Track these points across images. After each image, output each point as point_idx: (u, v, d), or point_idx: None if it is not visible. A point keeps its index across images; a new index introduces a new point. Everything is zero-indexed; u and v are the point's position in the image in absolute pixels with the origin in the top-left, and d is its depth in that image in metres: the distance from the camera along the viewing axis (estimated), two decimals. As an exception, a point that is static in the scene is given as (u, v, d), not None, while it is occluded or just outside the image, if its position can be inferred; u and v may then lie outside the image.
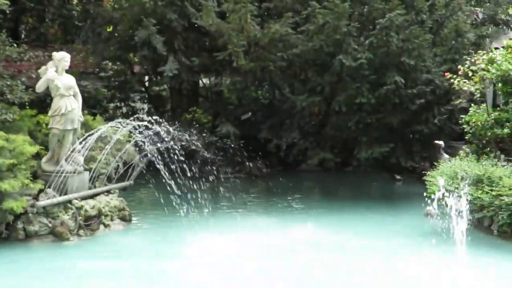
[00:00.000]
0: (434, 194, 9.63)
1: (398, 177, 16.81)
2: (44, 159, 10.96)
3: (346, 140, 17.06)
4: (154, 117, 11.81)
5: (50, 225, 10.08)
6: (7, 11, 12.71)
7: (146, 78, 21.78)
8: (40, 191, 10.34)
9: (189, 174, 12.04)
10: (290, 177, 16.60)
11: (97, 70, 20.06)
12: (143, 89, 21.57)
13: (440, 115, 15.41)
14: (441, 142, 16.46)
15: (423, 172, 12.63)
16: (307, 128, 17.63)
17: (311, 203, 13.90)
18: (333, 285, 8.22)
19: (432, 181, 11.22)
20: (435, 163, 12.71)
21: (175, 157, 11.95)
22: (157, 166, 11.45)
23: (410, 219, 12.12)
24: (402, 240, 10.56)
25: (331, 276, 8.52)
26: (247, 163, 16.96)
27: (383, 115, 15.66)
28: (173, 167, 11.87)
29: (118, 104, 21.41)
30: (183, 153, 12.04)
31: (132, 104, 21.89)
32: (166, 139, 11.69)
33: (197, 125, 18.43)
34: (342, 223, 11.89)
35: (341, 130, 16.68)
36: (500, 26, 18.71)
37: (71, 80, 11.04)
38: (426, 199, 10.17)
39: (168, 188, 11.79)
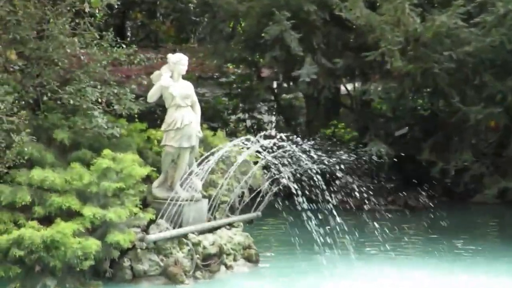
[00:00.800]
0: None
1: None
2: (155, 183, 11.21)
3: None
4: (285, 133, 11.91)
5: (162, 264, 10.27)
6: (115, 6, 13.32)
7: (275, 84, 22.09)
8: (151, 222, 10.58)
9: (329, 205, 12.01)
10: (459, 211, 16.18)
11: (217, 74, 20.68)
12: (272, 97, 21.87)
13: None
14: None
15: None
16: (483, 148, 17.12)
17: (486, 246, 13.40)
18: None
19: None
20: None
21: (311, 183, 11.99)
22: (295, 196, 11.50)
23: None
24: None
25: None
26: (403, 192, 16.69)
27: None
28: (308, 195, 11.90)
29: (242, 115, 21.88)
30: (321, 178, 12.05)
31: (258, 116, 22.31)
32: (302, 160, 11.72)
33: (338, 143, 18.35)
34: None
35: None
36: None
37: (188, 87, 11.27)
38: None
39: (304, 221, 11.83)
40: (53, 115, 11.33)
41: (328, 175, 12.81)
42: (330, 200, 12.03)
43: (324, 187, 11.93)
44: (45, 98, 11.49)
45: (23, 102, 11.09)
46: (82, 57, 12.07)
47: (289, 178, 11.67)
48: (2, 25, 11.63)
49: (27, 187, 9.93)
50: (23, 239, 9.16)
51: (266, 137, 11.79)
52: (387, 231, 13.69)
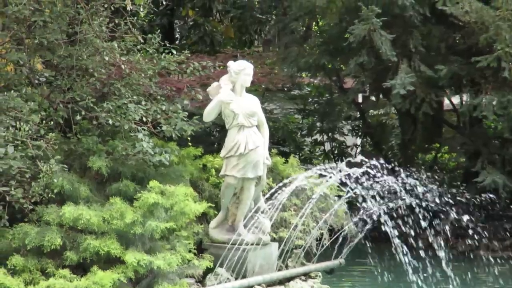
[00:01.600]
0: None
1: None
2: (213, 223, 11.36)
3: None
4: (374, 160, 11.92)
5: (221, 322, 10.35)
6: (163, 2, 13.49)
7: (361, 97, 22.08)
8: (208, 270, 10.68)
9: (435, 251, 11.93)
10: None
11: (289, 86, 20.65)
12: (357, 114, 21.83)
13: None
14: None
15: None
16: None
17: None
18: None
19: None
20: None
21: (409, 221, 11.94)
22: (391, 239, 11.44)
23: None
24: None
25: None
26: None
27: None
28: (405, 236, 11.86)
29: (319, 138, 21.86)
30: (421, 215, 12.02)
31: (340, 138, 22.28)
32: (399, 193, 11.68)
33: (442, 172, 18.20)
34: None
35: None
36: None
37: (254, 103, 11.38)
38: None
39: (401, 271, 11.82)
40: (88, 138, 11.47)
41: (430, 212, 12.66)
42: (434, 243, 11.93)
43: (425, 225, 11.83)
44: (78, 117, 11.56)
45: (52, 122, 11.33)
46: (123, 66, 12.13)
47: (382, 215, 11.62)
48: (26, 27, 11.81)
49: (57, 228, 10.06)
50: (53, 291, 9.34)
51: (350, 164, 11.82)
52: (505, 284, 13.58)
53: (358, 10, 16.23)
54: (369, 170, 11.69)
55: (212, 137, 16.57)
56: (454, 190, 16.16)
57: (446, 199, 13.64)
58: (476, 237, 14.82)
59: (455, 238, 15.21)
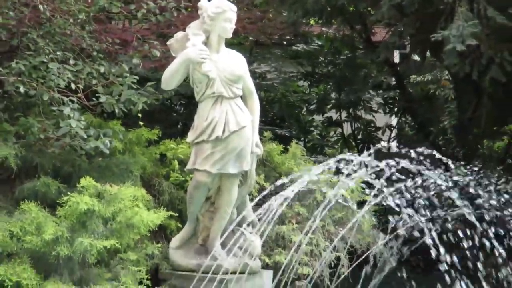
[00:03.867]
0: None
1: None
2: (176, 241, 11.40)
3: None
4: (420, 149, 11.98)
5: None
6: None
7: (399, 56, 22.14)
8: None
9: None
10: None
11: (289, 38, 20.72)
12: (392, 81, 21.87)
13: None
14: None
15: None
16: None
17: None
18: None
19: None
20: None
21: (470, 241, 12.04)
22: (441, 264, 11.46)
23: None
24: None
25: None
26: None
27: None
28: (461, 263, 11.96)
29: (336, 115, 21.93)
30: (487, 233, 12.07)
31: (367, 117, 22.34)
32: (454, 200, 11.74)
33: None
34: None
35: None
36: None
37: (238, 62, 11.42)
38: None
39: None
40: (-11, 113, 11.55)
41: (499, 228, 12.77)
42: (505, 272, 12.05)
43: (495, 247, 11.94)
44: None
45: None
46: (41, 7, 12.02)
47: (427, 232, 11.68)
48: None
49: None
50: None
51: (381, 155, 11.83)
52: None
53: None
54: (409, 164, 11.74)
55: (175, 113, 16.60)
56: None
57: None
58: None
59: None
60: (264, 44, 19.08)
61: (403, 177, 11.66)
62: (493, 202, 12.43)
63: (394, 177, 11.60)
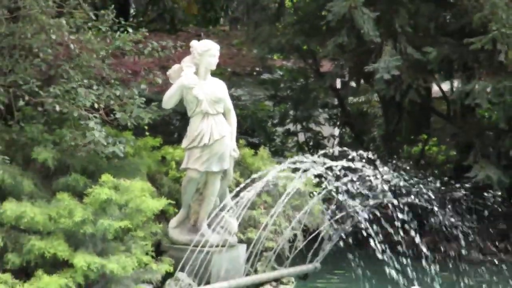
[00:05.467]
0: None
1: None
2: (173, 222, 11.38)
3: None
4: (355, 152, 12.02)
5: (182, 333, 10.42)
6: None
7: (340, 83, 22.15)
8: (167, 275, 10.68)
9: (421, 253, 12.05)
10: None
11: (258, 69, 20.67)
12: (335, 102, 21.89)
13: None
14: None
15: None
16: None
17: None
18: None
19: None
20: None
21: (392, 222, 12.05)
22: (374, 245, 11.50)
23: None
24: None
25: None
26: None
27: None
28: (388, 239, 11.98)
29: (293, 127, 21.92)
30: (407, 215, 12.11)
31: (316, 128, 22.34)
32: (384, 190, 11.75)
33: (430, 166, 18.31)
34: None
35: None
36: None
37: (220, 87, 11.40)
38: None
39: (382, 276, 11.95)
40: (32, 126, 11.45)
41: (416, 211, 12.77)
42: (421, 245, 12.02)
43: (412, 226, 11.93)
44: (21, 102, 11.47)
45: (-10, 110, 11.37)
46: (72, 46, 12.12)
47: (362, 214, 11.70)
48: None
49: (-4, 228, 10.14)
50: (-9, 298, 9.36)
51: (327, 157, 11.84)
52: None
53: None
54: (352, 164, 11.75)
55: (172, 126, 16.60)
56: (443, 187, 16.23)
57: (434, 196, 13.76)
58: (468, 239, 14.95)
59: (443, 240, 15.30)
60: (239, 74, 19.04)
61: (347, 173, 11.73)
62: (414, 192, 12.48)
63: (339, 173, 11.67)
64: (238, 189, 11.52)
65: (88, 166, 11.36)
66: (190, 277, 10.70)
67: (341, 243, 12.97)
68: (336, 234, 12.61)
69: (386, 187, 11.75)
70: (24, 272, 9.91)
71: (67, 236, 10.16)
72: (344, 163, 11.70)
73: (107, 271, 9.85)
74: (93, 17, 12.51)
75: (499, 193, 16.37)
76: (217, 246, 10.99)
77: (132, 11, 22.18)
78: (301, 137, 22.41)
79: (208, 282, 10.79)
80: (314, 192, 12.28)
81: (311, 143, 22.72)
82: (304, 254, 12.57)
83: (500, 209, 16.32)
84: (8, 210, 10.03)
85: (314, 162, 11.78)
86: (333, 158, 11.86)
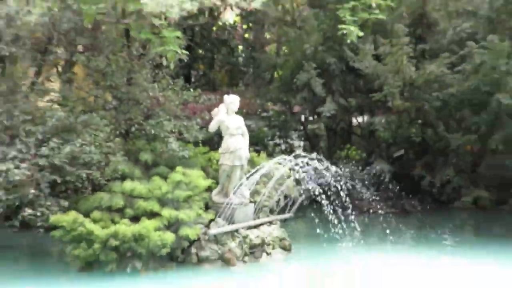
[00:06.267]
0: None
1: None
2: (214, 192, 11.27)
3: (504, 178, 16.05)
4: (313, 155, 11.91)
5: (219, 251, 10.38)
6: (184, 60, 13.49)
7: (303, 118, 22.04)
8: (211, 220, 10.70)
9: (348, 210, 12.06)
10: (442, 214, 15.87)
11: (260, 111, 20.52)
12: (301, 128, 21.79)
13: None
14: None
15: None
16: (462, 166, 16.78)
17: (462, 240, 13.14)
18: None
19: None
20: None
21: (331, 192, 11.96)
22: (321, 201, 11.42)
23: None
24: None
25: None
26: (400, 199, 16.49)
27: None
28: (330, 200, 11.84)
29: (278, 141, 21.77)
30: (339, 188, 11.98)
31: (291, 142, 22.20)
32: (325, 174, 11.69)
33: (351, 162, 18.21)
34: (498, 260, 11.11)
35: (497, 169, 15.78)
36: None
37: (239, 120, 11.28)
38: None
39: (326, 220, 11.89)
40: (139, 141, 11.50)
41: (344, 187, 12.70)
42: (346, 204, 12.01)
43: (342, 194, 11.90)
44: (133, 129, 11.64)
45: (117, 132, 11.39)
46: (160, 99, 12.17)
47: (315, 188, 11.63)
48: (101, 74, 11.90)
49: (120, 195, 10.16)
50: (118, 233, 9.37)
51: (297, 157, 11.81)
52: (388, 227, 13.71)
53: (302, 65, 16.35)
54: (309, 161, 11.66)
55: (215, 141, 16.48)
56: (359, 173, 16.21)
57: (355, 177, 13.76)
58: (372, 201, 14.96)
59: (360, 202, 15.28)
60: (249, 113, 18.95)
61: (307, 165, 11.68)
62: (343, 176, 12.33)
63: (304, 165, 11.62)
64: (249, 174, 11.42)
65: (169, 163, 11.27)
66: (223, 221, 10.69)
67: (304, 203, 12.99)
68: (301, 198, 12.55)
69: (328, 173, 11.71)
70: (135, 219, 9.92)
71: (158, 200, 10.20)
72: (305, 160, 11.69)
73: (179, 218, 9.92)
74: (171, 83, 12.55)
75: (388, 177, 16.31)
76: (238, 204, 10.96)
77: (192, 79, 22.13)
78: (283, 147, 22.16)
79: (232, 223, 10.77)
80: (290, 176, 12.22)
81: (288, 150, 22.45)
82: (283, 209, 12.48)
83: (390, 185, 16.24)
84: (126, 186, 10.18)
85: (290, 160, 11.77)
86: (299, 158, 11.80)
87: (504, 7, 15.26)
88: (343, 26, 10.75)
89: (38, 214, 9.34)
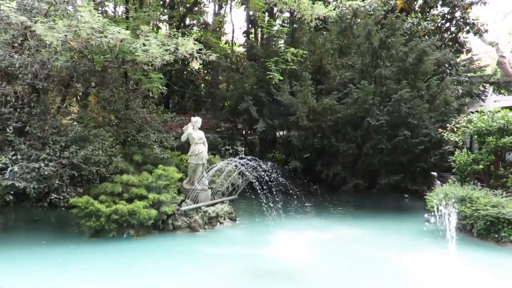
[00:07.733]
0: (432, 207, 9.39)
1: (406, 196, 16.06)
2: (184, 182, 11.15)
3: (372, 171, 16.50)
4: (250, 157, 11.93)
5: (188, 222, 10.27)
6: (164, 92, 13.30)
7: (244, 132, 22.00)
8: (182, 201, 10.57)
9: (273, 193, 12.08)
10: (333, 195, 16.20)
11: (215, 127, 20.38)
12: (242, 138, 21.75)
13: (434, 156, 14.77)
14: (435, 173, 15.66)
15: (423, 193, 12.18)
16: (346, 164, 17.16)
17: (347, 211, 13.43)
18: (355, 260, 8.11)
19: (430, 199, 10.77)
20: (432, 187, 12.25)
21: (263, 181, 11.98)
22: (256, 187, 11.37)
23: (414, 223, 11.54)
24: (408, 236, 10.26)
25: (354, 260, 8.36)
26: (308, 185, 16.68)
27: (396, 156, 15.13)
28: (262, 187, 11.85)
29: (227, 147, 21.70)
30: (267, 179, 12.03)
31: (236, 148, 22.12)
32: (259, 169, 11.69)
33: (276, 162, 18.24)
34: (366, 224, 11.48)
35: (368, 165, 16.20)
36: (475, 98, 17.90)
37: (201, 133, 11.21)
38: (426, 211, 10.18)
39: (259, 201, 11.88)
40: (133, 147, 11.24)
41: (271, 177, 12.69)
42: (272, 189, 12.03)
43: (270, 183, 11.92)
44: (129, 139, 11.39)
45: (118, 141, 11.10)
46: (148, 119, 11.99)
47: (252, 179, 11.59)
48: (107, 102, 11.55)
49: (119, 184, 9.88)
50: (118, 210, 9.14)
51: (241, 158, 11.80)
52: (299, 204, 13.85)
53: (243, 97, 16.29)
54: (248, 161, 11.64)
55: (185, 147, 16.19)
56: (281, 169, 16.20)
57: (278, 171, 13.72)
58: (289, 186, 14.96)
59: (281, 187, 15.23)
60: (208, 129, 18.56)
61: (246, 164, 11.64)
62: (271, 171, 12.19)
63: (244, 164, 11.58)
64: (208, 170, 11.33)
65: (154, 162, 11.07)
66: (191, 201, 10.57)
67: (245, 188, 12.94)
68: (242, 186, 12.50)
69: (260, 169, 11.70)
70: (130, 200, 9.66)
71: (146, 187, 9.98)
72: (246, 161, 11.70)
73: (161, 200, 9.73)
74: (155, 108, 12.36)
75: (299, 171, 16.40)
76: (200, 190, 10.85)
77: (170, 105, 21.74)
78: (231, 151, 21.96)
79: (197, 203, 10.62)
80: (235, 170, 12.13)
81: (234, 154, 22.25)
82: (231, 192, 12.41)
83: (301, 176, 16.31)
84: (124, 178, 9.89)
85: (235, 160, 11.72)
86: (242, 159, 11.75)
87: (370, 62, 15.80)
88: (270, 73, 10.87)
89: (61, 197, 9.12)
